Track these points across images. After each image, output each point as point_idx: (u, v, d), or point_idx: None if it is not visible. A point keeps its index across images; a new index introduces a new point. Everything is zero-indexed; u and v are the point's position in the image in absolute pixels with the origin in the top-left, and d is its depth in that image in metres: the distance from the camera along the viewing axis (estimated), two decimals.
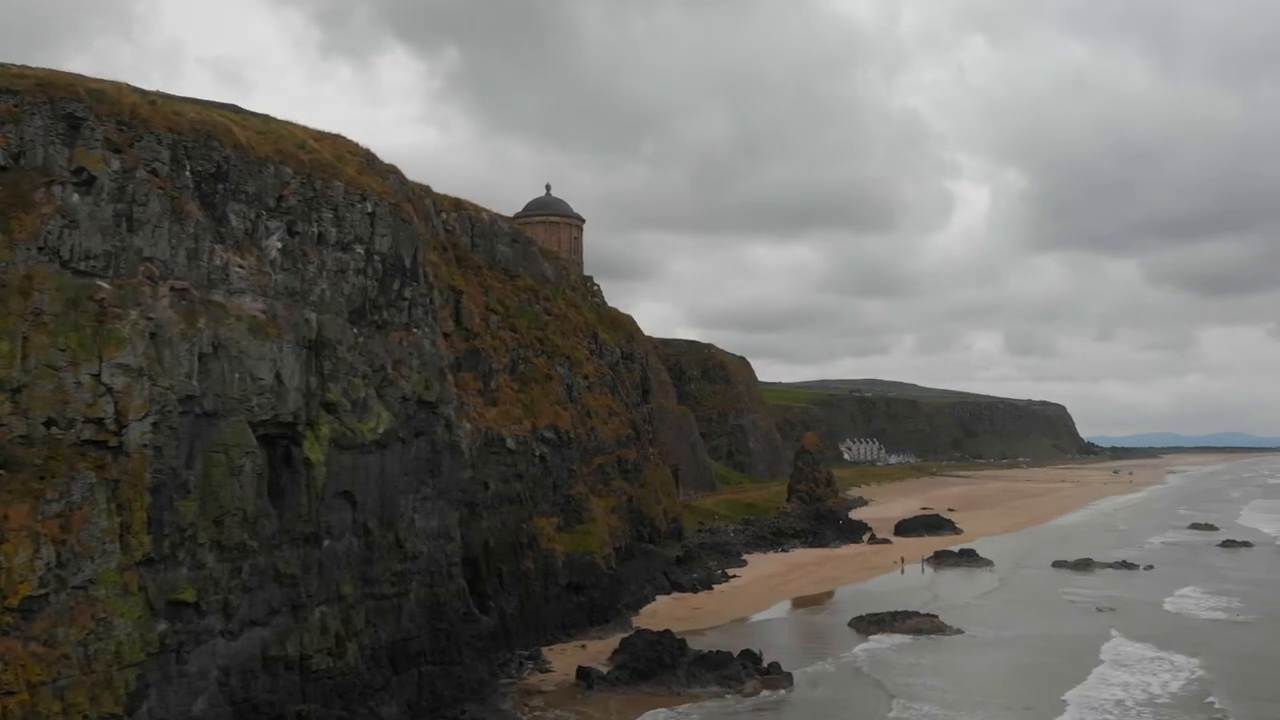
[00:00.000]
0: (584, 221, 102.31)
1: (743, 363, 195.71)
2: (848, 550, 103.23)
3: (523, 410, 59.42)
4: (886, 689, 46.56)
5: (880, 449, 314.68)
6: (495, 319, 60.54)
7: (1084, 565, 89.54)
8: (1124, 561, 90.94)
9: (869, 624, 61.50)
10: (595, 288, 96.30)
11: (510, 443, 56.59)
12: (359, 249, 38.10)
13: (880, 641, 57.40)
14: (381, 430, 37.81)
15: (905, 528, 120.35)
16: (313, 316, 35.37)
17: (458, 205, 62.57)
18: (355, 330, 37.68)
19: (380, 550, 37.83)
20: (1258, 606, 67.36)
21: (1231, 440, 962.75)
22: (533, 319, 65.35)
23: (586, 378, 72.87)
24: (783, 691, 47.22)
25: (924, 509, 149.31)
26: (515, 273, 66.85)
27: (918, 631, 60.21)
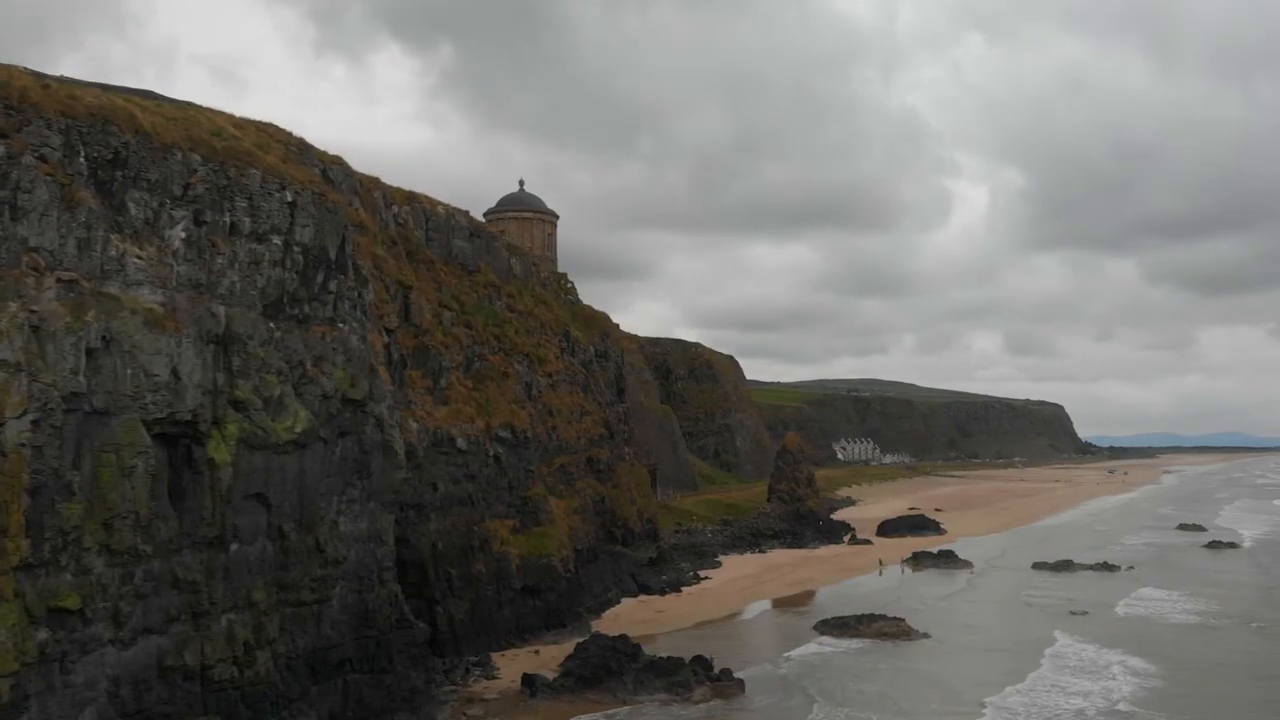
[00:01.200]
0: (558, 218, 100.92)
1: (730, 362, 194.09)
2: (826, 551, 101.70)
3: (476, 409, 57.80)
4: (823, 695, 45.13)
5: (875, 449, 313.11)
6: (449, 315, 58.95)
7: (1064, 566, 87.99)
8: (1105, 563, 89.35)
9: (834, 627, 59.97)
10: (569, 285, 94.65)
11: (461, 442, 55.00)
12: (276, 240, 36.48)
13: (840, 646, 55.91)
14: (299, 430, 36.17)
15: (888, 528, 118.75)
16: (220, 310, 33.78)
17: (411, 198, 61.03)
18: (272, 324, 36.06)
19: (298, 555, 36.20)
20: (1232, 610, 65.76)
21: (1231, 440, 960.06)
22: (490, 315, 63.73)
23: (550, 376, 71.27)
24: (734, 699, 45.75)
25: (911, 509, 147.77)
26: (474, 268, 65.25)
27: (882, 635, 58.64)
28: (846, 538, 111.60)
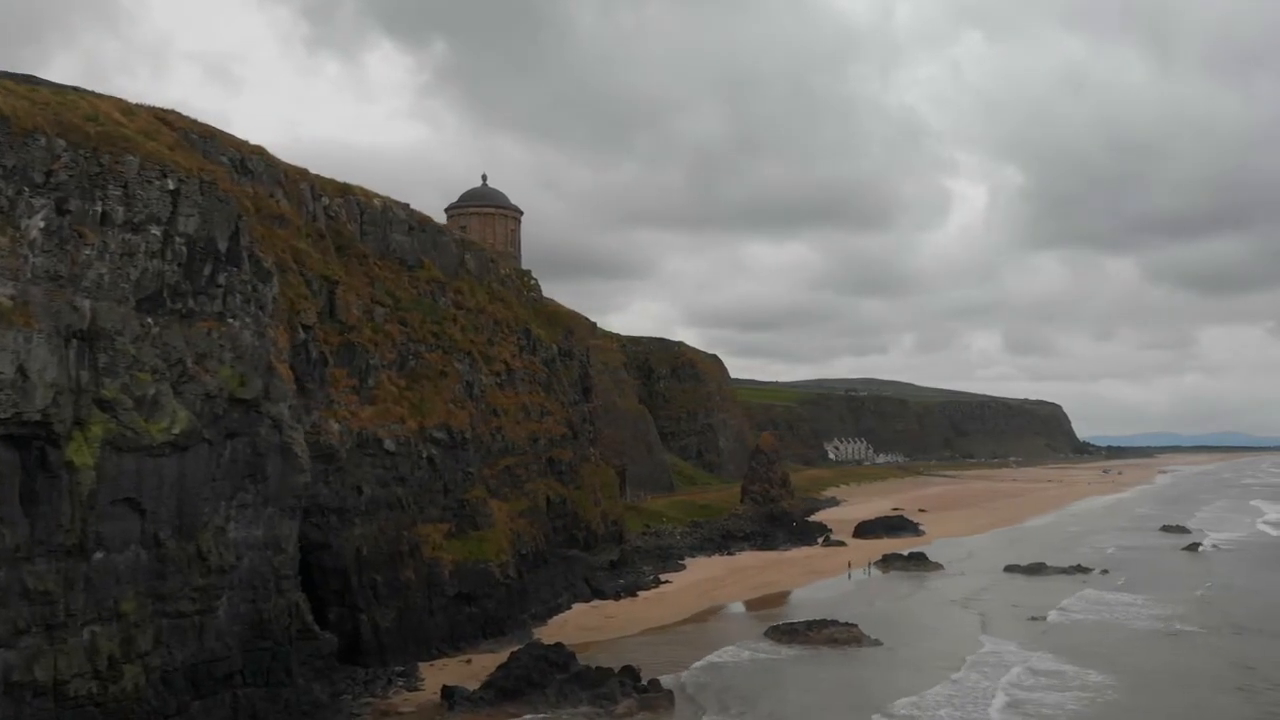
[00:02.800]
0: (522, 213, 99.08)
1: (715, 361, 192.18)
2: (797, 553, 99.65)
3: (409, 409, 55.76)
4: (720, 705, 43.61)
5: (868, 448, 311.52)
6: (382, 312, 56.91)
7: (1036, 569, 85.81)
8: (1079, 565, 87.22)
9: (783, 634, 57.93)
10: (532, 282, 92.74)
11: (389, 444, 52.97)
12: (154, 230, 34.50)
13: (781, 653, 53.96)
14: (177, 430, 34.17)
15: (865, 529, 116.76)
16: (85, 304, 31.82)
17: (344, 190, 59.01)
18: (149, 319, 34.11)
19: (176, 563, 34.23)
20: (1199, 616, 63.59)
21: (1230, 440, 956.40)
22: (430, 312, 61.69)
23: (498, 374, 69.26)
24: (661, 711, 43.80)
25: (894, 510, 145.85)
26: (415, 263, 63.21)
27: (832, 642, 56.59)
28: (820, 539, 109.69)
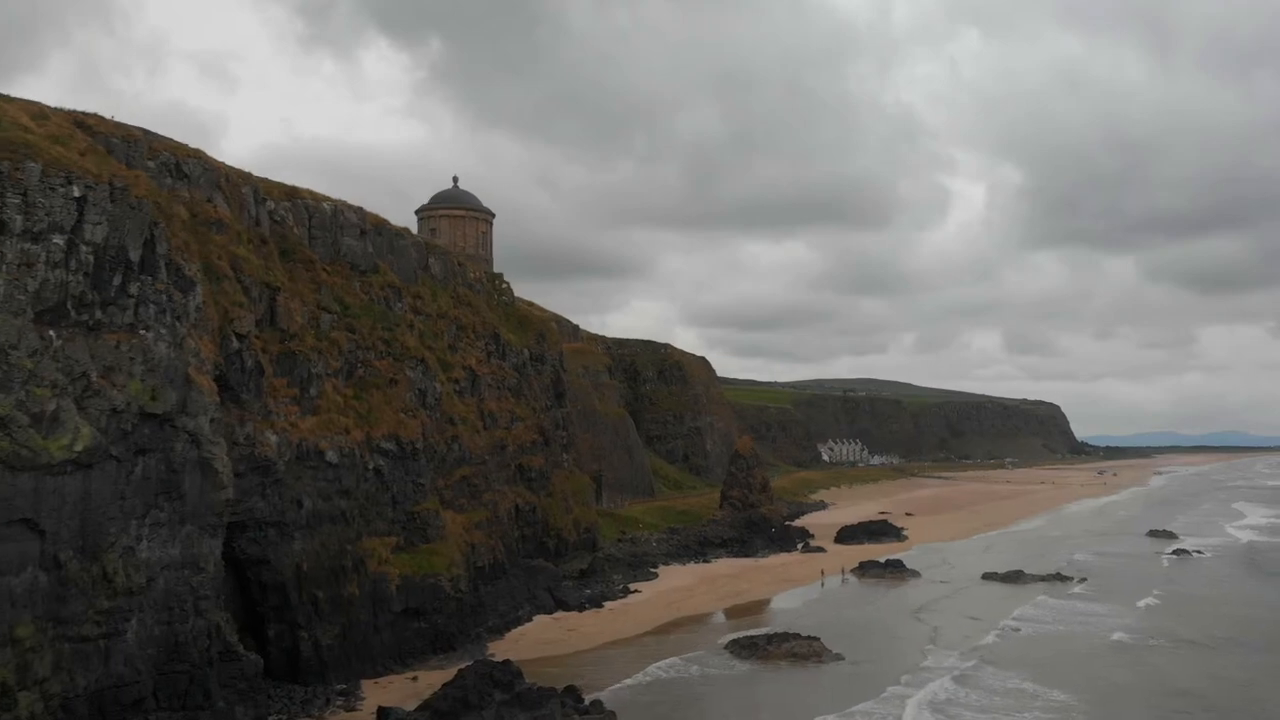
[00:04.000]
0: (494, 216, 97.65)
1: (702, 362, 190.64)
2: (774, 560, 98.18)
3: (355, 419, 54.32)
4: None
5: (863, 450, 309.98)
6: (329, 318, 55.50)
7: (1014, 577, 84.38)
8: (1058, 574, 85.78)
9: (743, 648, 56.63)
10: (504, 285, 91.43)
11: (331, 455, 51.53)
12: (57, 239, 33.14)
13: (737, 669, 52.73)
14: (80, 448, 32.80)
15: (846, 535, 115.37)
16: None
17: (292, 194, 57.63)
18: (51, 332, 32.74)
19: (79, 585, 32.87)
20: (1174, 627, 62.17)
21: (1230, 440, 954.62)
22: (381, 318, 60.23)
23: (457, 381, 67.83)
24: None
25: (881, 513, 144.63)
26: (368, 268, 61.79)
27: (792, 656, 55.26)
28: (800, 545, 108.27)
